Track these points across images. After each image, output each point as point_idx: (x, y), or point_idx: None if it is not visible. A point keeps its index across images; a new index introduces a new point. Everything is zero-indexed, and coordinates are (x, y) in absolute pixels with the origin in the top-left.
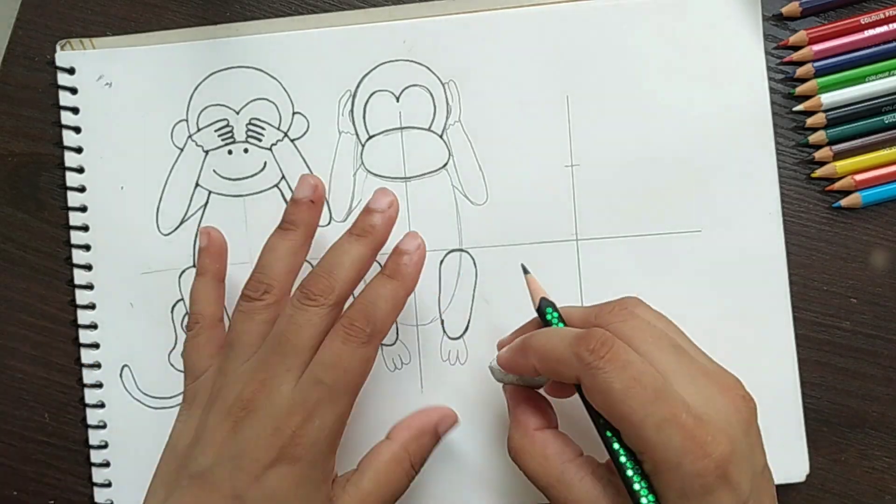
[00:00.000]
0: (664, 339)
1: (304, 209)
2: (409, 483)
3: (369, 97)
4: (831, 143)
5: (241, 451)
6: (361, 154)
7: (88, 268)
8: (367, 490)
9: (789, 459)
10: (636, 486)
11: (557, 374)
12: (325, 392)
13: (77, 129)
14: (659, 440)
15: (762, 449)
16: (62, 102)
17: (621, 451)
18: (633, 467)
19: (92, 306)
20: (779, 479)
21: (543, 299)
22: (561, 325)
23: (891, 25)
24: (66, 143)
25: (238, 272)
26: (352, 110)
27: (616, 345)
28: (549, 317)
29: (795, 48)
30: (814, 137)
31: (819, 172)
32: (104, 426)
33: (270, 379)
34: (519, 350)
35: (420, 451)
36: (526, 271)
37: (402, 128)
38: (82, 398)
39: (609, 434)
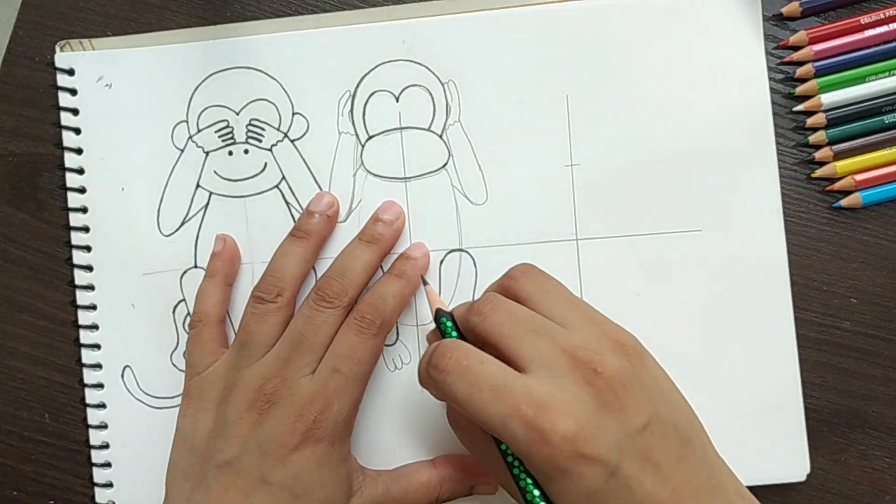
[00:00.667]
0: (554, 293)
1: (318, 221)
2: None
3: (369, 97)
4: (831, 143)
5: (268, 439)
6: (361, 154)
7: (89, 269)
8: (393, 496)
9: (790, 459)
10: (515, 472)
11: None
12: (342, 380)
13: (77, 131)
14: (506, 435)
15: (644, 407)
16: (62, 103)
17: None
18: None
19: (93, 307)
20: (779, 478)
21: (439, 310)
22: (454, 333)
23: (891, 25)
24: (66, 144)
25: (239, 273)
26: (351, 110)
27: (455, 353)
28: (443, 327)
29: (795, 48)
30: (814, 137)
31: (819, 172)
32: (105, 427)
33: (291, 373)
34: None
35: (451, 492)
36: (425, 283)
37: (401, 128)
38: (83, 398)
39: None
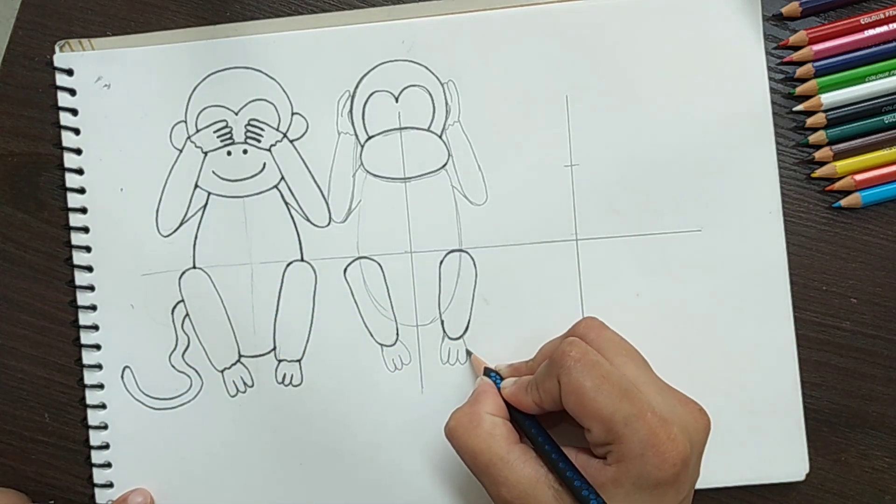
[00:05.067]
0: (634, 354)
1: None
2: None
3: (368, 97)
4: (831, 143)
5: None
6: (361, 154)
7: (89, 269)
8: None
9: (789, 459)
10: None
11: (548, 393)
12: None
13: (76, 131)
14: (626, 433)
15: (699, 468)
16: (61, 104)
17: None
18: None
19: (93, 308)
20: (779, 478)
21: (486, 368)
22: (499, 380)
23: (891, 25)
24: (66, 144)
25: (238, 273)
26: (351, 111)
27: (587, 348)
28: (492, 378)
29: (795, 48)
30: (814, 137)
31: (819, 172)
32: (105, 427)
33: None
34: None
35: None
36: (469, 354)
37: (401, 128)
38: (83, 399)
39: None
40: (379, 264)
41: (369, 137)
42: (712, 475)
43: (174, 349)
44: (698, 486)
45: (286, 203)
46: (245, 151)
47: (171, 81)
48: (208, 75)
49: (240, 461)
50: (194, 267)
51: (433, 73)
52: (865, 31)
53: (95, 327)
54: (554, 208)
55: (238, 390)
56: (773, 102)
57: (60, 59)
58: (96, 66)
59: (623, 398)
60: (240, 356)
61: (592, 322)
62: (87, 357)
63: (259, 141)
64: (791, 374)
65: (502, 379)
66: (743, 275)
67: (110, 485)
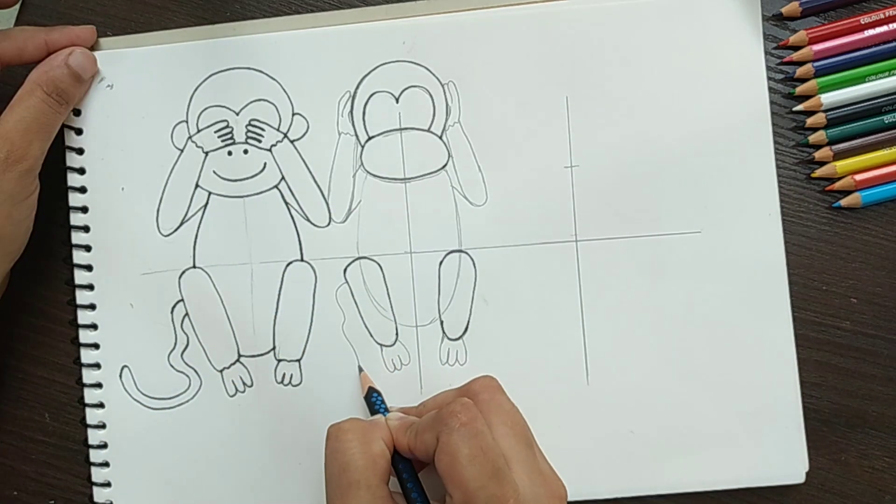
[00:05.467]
0: (519, 427)
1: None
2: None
3: (369, 98)
4: (831, 143)
5: None
6: (361, 155)
7: (89, 268)
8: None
9: (788, 460)
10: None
11: (424, 444)
12: None
13: (79, 131)
14: None
15: None
16: None
17: None
18: None
19: (92, 307)
20: (778, 479)
21: (371, 388)
22: (383, 408)
23: (891, 25)
24: (68, 143)
25: (238, 273)
26: (351, 111)
27: (476, 415)
28: (373, 400)
29: (795, 48)
30: (814, 137)
31: (819, 172)
32: (103, 426)
33: None
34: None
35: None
36: (361, 370)
37: (401, 129)
38: (82, 398)
39: None
40: (379, 264)
41: (370, 138)
42: (710, 478)
43: (173, 348)
44: (697, 488)
45: (286, 203)
46: (246, 151)
47: (173, 82)
48: (210, 76)
49: (238, 461)
50: (194, 266)
51: (434, 74)
52: (865, 31)
53: (94, 326)
54: (554, 209)
55: (237, 390)
56: (773, 102)
57: None
58: (100, 67)
59: (493, 477)
60: (239, 356)
61: (489, 383)
62: (86, 356)
63: (260, 141)
64: (790, 377)
65: (387, 408)
66: (742, 277)
67: (108, 484)
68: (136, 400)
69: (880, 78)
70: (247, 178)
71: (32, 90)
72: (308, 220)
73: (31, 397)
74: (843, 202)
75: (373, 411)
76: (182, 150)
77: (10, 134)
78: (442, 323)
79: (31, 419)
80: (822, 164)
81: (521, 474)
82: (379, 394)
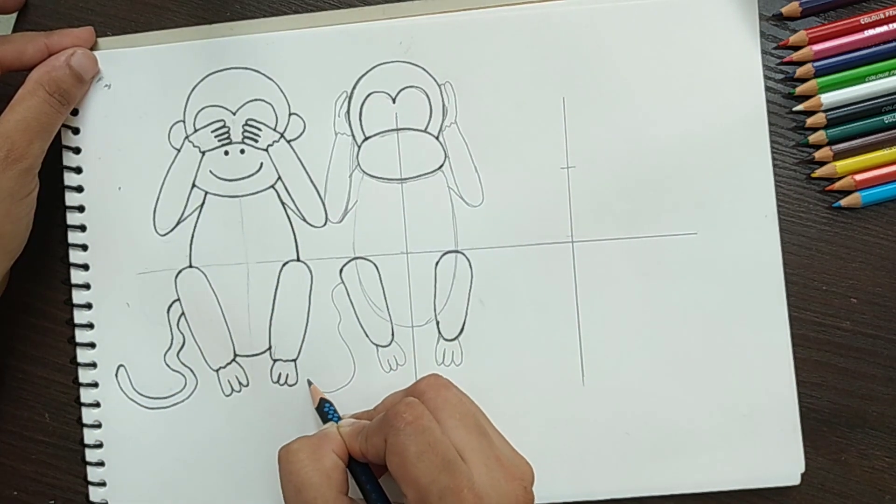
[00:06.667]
0: (469, 418)
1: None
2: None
3: (365, 98)
4: (831, 143)
5: None
6: (357, 155)
7: (85, 267)
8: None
9: (785, 463)
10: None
11: (374, 447)
12: None
13: (76, 130)
14: None
15: None
16: None
17: None
18: None
19: (88, 306)
20: (774, 481)
21: (322, 399)
22: (336, 416)
23: (891, 25)
24: (65, 143)
25: (234, 273)
26: (348, 111)
27: (423, 412)
28: (325, 409)
29: (795, 48)
30: (814, 137)
31: (819, 172)
32: (99, 426)
33: None
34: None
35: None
36: (310, 383)
37: (398, 129)
38: (78, 397)
39: None
40: (375, 265)
41: (366, 138)
42: (705, 479)
43: (169, 348)
44: (692, 489)
45: (283, 203)
46: (242, 151)
47: (170, 81)
48: (207, 75)
49: (234, 460)
50: (190, 266)
51: (430, 75)
52: (865, 31)
53: (90, 325)
54: (550, 210)
55: (233, 390)
56: (773, 102)
57: None
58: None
59: (443, 470)
60: (235, 355)
61: (435, 381)
62: (82, 355)
63: (256, 141)
64: (787, 378)
65: (339, 417)
66: (738, 278)
67: (103, 483)
68: (131, 399)
69: (880, 78)
70: (243, 178)
71: (34, 90)
72: (304, 220)
73: (30, 397)
74: (843, 202)
75: (325, 420)
76: (179, 150)
77: (11, 133)
78: (438, 323)
79: (31, 419)
80: (822, 164)
81: (476, 463)
82: (331, 403)
